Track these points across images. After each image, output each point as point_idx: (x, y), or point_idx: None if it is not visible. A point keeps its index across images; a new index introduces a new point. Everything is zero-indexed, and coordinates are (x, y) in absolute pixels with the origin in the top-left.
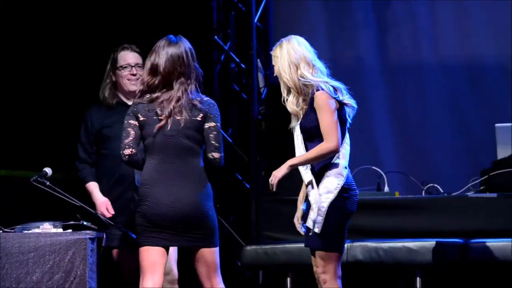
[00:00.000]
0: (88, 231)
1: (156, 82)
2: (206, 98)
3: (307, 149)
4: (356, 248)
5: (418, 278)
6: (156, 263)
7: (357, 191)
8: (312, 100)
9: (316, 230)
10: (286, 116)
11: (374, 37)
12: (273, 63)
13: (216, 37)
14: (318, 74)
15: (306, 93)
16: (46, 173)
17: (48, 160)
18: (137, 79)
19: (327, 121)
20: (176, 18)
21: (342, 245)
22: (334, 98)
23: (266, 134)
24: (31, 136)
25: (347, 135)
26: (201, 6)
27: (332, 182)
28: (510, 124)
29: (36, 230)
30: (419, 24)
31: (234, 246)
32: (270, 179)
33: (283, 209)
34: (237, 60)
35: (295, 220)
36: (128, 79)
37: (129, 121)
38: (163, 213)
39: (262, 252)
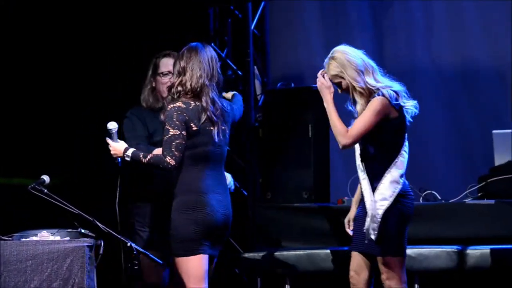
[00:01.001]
0: (86, 239)
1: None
2: (226, 103)
3: (367, 151)
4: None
5: (416, 285)
6: (205, 273)
7: (412, 196)
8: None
9: (372, 237)
10: (283, 123)
11: (370, 42)
12: (334, 80)
13: (212, 44)
14: (379, 77)
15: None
16: (44, 181)
17: (45, 166)
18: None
19: (362, 121)
20: (173, 25)
21: (404, 249)
22: (394, 106)
23: (263, 141)
24: (27, 143)
25: (406, 144)
26: (197, 13)
27: (388, 189)
28: (507, 130)
29: (34, 238)
30: (415, 29)
31: (232, 253)
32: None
33: (280, 216)
34: (234, 67)
35: (346, 220)
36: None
37: (182, 132)
38: (219, 222)
39: (260, 259)
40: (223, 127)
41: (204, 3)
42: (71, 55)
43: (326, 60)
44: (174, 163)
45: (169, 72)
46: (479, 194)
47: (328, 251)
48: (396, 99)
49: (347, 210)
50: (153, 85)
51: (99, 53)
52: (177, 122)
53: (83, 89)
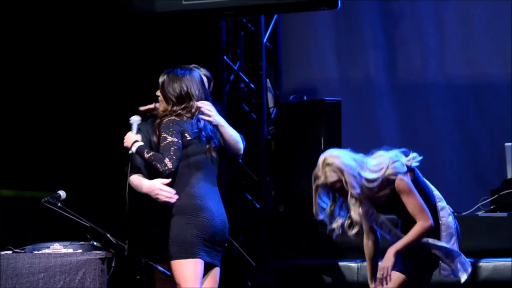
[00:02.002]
0: (98, 252)
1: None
2: None
3: (406, 218)
4: (366, 268)
5: None
6: (201, 278)
7: None
8: (393, 190)
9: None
10: (296, 136)
11: (382, 56)
12: (336, 186)
13: (225, 57)
14: (371, 164)
15: (375, 188)
16: (60, 196)
17: (59, 180)
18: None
19: (415, 202)
20: (186, 38)
21: None
22: (408, 172)
23: (275, 154)
24: (42, 157)
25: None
26: (210, 26)
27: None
28: None
29: (46, 251)
30: (427, 44)
31: (244, 265)
32: (381, 274)
33: (293, 228)
34: (247, 80)
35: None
36: None
37: (179, 140)
38: (218, 228)
39: (272, 271)
40: (216, 140)
41: (217, 16)
42: (85, 71)
43: (318, 169)
44: (171, 167)
45: None
46: (492, 207)
47: (341, 263)
48: (404, 165)
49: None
50: None
51: (114, 69)
52: (174, 131)
53: (97, 105)
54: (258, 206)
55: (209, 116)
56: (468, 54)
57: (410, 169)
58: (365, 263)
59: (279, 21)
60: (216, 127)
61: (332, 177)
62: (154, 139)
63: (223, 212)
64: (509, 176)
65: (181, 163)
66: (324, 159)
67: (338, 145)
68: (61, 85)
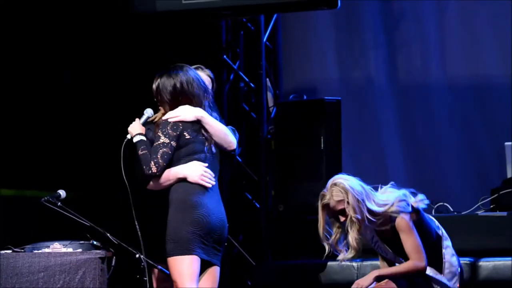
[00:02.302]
0: (98, 251)
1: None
2: (219, 118)
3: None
4: (366, 267)
5: None
6: (197, 275)
7: None
8: (394, 228)
9: None
10: (295, 135)
11: (383, 57)
12: (338, 207)
13: (225, 56)
14: (378, 199)
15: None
16: (60, 195)
17: (59, 180)
18: None
19: (413, 242)
20: (185, 38)
21: None
22: (411, 212)
23: (275, 154)
24: (41, 156)
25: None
26: (210, 26)
27: (452, 263)
28: None
29: (46, 250)
30: (428, 43)
31: (244, 265)
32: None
33: (292, 228)
34: (246, 79)
35: None
36: None
37: (171, 142)
38: (215, 225)
39: (272, 270)
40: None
41: (217, 16)
42: (85, 71)
43: (326, 188)
44: (155, 171)
45: None
46: (492, 206)
47: (340, 263)
48: (409, 205)
49: None
50: None
51: (114, 69)
52: (170, 131)
53: (97, 105)
54: (258, 206)
55: (176, 116)
56: (469, 54)
57: (415, 210)
58: (365, 263)
59: (279, 21)
60: (198, 123)
61: (337, 196)
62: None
63: (221, 210)
64: (509, 176)
65: (182, 160)
66: (333, 180)
67: (338, 144)
68: (61, 85)
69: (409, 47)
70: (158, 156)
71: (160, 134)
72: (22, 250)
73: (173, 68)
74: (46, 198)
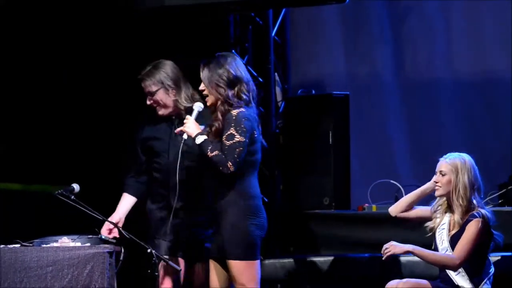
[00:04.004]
0: (106, 245)
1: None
2: None
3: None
4: (375, 260)
5: None
6: None
7: None
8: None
9: None
10: (304, 130)
11: (390, 53)
12: (442, 179)
13: (233, 51)
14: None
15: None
16: (73, 189)
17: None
18: (156, 106)
19: (468, 243)
20: (194, 32)
21: None
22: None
23: (284, 148)
24: (49, 150)
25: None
26: (218, 20)
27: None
28: None
29: (55, 244)
30: (434, 39)
31: None
32: (386, 247)
33: (300, 223)
34: (255, 74)
35: None
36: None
37: (246, 140)
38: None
39: (280, 265)
40: None
41: (225, 10)
42: (88, 68)
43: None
44: (233, 169)
45: (145, 94)
46: (499, 201)
47: (349, 257)
48: (492, 219)
49: (367, 217)
50: None
51: (122, 63)
52: (245, 129)
53: (102, 102)
54: (267, 200)
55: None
56: (476, 50)
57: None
58: (373, 257)
59: (287, 15)
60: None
61: (445, 167)
62: (216, 125)
63: None
64: None
65: (246, 160)
66: (462, 159)
67: (347, 139)
68: (66, 82)
69: (415, 42)
70: (235, 156)
71: (233, 131)
72: (31, 244)
73: (219, 56)
74: (59, 191)
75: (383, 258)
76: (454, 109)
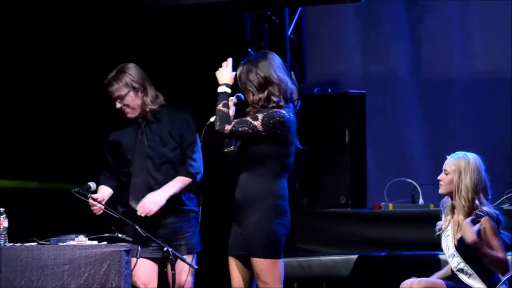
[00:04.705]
0: (123, 243)
1: None
2: None
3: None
4: (391, 259)
5: None
6: None
7: None
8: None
9: None
10: (320, 128)
11: (406, 50)
12: (444, 178)
13: (249, 49)
14: (484, 199)
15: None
16: (90, 187)
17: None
18: (126, 109)
19: (498, 245)
20: (210, 31)
21: None
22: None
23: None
24: (66, 149)
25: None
26: (234, 19)
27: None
28: None
29: (71, 243)
30: (451, 37)
31: None
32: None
33: (317, 221)
34: None
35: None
36: (122, 111)
37: (258, 130)
38: None
39: (296, 264)
40: None
41: (241, 9)
42: (93, 65)
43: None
44: (226, 132)
45: (114, 99)
46: None
47: (365, 256)
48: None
49: (383, 215)
50: None
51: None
52: (269, 125)
53: (105, 99)
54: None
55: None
56: (492, 47)
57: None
58: (389, 255)
59: (303, 14)
60: None
61: (450, 168)
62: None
63: None
64: None
65: (277, 161)
66: (466, 158)
67: (363, 137)
68: (65, 82)
69: (432, 40)
70: (239, 129)
71: (258, 115)
72: (47, 243)
73: (256, 55)
74: (76, 189)
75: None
76: (470, 107)
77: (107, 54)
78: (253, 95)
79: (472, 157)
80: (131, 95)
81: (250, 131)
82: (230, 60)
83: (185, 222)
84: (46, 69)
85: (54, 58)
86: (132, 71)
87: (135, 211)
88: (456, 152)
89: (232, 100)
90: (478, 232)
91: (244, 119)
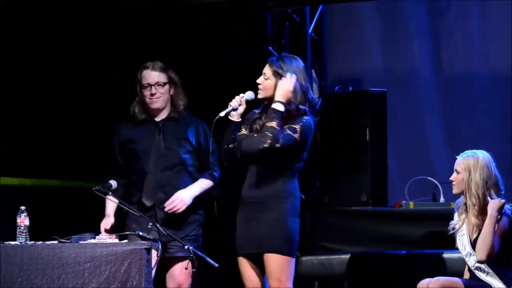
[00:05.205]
0: (143, 242)
1: None
2: None
3: None
4: (412, 257)
5: None
6: None
7: None
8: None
9: None
10: (341, 126)
11: (427, 47)
12: (455, 178)
13: (270, 48)
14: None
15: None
16: (111, 185)
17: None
18: (158, 97)
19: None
20: (232, 29)
21: None
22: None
23: (320, 145)
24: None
25: None
26: (255, 17)
27: None
28: None
29: (92, 241)
30: (472, 35)
31: None
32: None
33: (338, 219)
34: None
35: None
36: (149, 98)
37: (300, 143)
38: None
39: (317, 262)
40: None
41: (262, 7)
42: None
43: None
44: (276, 148)
45: (148, 84)
46: None
47: (386, 254)
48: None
49: (404, 214)
50: (140, 97)
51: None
52: (304, 135)
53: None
54: (303, 197)
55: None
56: None
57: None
58: (410, 253)
59: (324, 12)
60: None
61: (459, 166)
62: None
63: None
64: None
65: (295, 163)
66: (475, 156)
67: (384, 135)
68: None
69: (453, 37)
70: (286, 145)
71: (297, 134)
72: (68, 241)
73: (288, 56)
74: (97, 187)
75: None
76: (492, 104)
77: (107, 54)
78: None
79: (481, 154)
80: (167, 87)
81: (292, 144)
82: (294, 77)
83: (192, 224)
84: (44, 70)
85: (54, 58)
86: (173, 71)
87: (147, 208)
88: (465, 151)
89: (246, 96)
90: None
91: (286, 133)
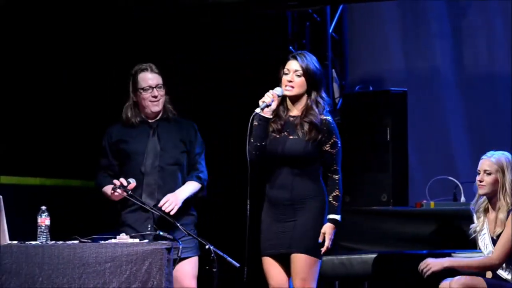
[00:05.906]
0: (164, 241)
1: None
2: None
3: None
4: (433, 257)
5: None
6: None
7: None
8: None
9: None
10: (361, 126)
11: (449, 47)
12: (484, 178)
13: (291, 47)
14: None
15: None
16: (130, 183)
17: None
18: (159, 100)
19: (508, 243)
20: (252, 29)
21: None
22: None
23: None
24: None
25: None
26: (276, 17)
27: None
28: None
29: (113, 240)
30: (494, 33)
31: None
32: (424, 265)
33: (358, 219)
34: None
35: None
36: (151, 101)
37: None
38: None
39: (338, 262)
40: None
41: (283, 7)
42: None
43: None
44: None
45: (150, 86)
46: None
47: (406, 254)
48: None
49: (425, 213)
50: (134, 100)
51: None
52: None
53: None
54: None
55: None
56: None
57: None
58: (431, 254)
59: (345, 11)
60: None
61: (489, 167)
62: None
63: None
64: None
65: (320, 161)
66: (495, 155)
67: (404, 135)
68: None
69: (474, 37)
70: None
71: (336, 139)
72: (89, 241)
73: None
74: (118, 186)
75: (424, 277)
76: None
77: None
78: (312, 93)
79: (509, 155)
80: (164, 89)
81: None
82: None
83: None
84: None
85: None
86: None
87: (146, 209)
88: (491, 152)
89: (277, 92)
90: None
91: (334, 153)
